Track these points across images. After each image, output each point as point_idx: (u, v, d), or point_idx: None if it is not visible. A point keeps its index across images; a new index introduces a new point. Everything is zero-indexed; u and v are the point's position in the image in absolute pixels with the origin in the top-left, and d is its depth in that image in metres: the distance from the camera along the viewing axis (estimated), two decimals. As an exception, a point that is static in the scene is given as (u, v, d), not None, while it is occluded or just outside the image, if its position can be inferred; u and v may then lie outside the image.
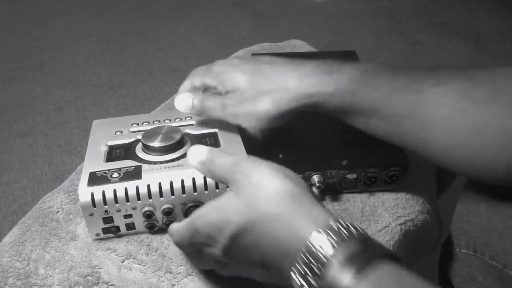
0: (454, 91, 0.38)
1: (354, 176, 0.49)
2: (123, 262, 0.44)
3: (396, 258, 0.31)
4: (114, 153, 0.47)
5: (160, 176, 0.42)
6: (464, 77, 0.38)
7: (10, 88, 1.64)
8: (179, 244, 0.39)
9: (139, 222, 0.44)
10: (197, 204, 0.43)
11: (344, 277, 0.28)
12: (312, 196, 0.34)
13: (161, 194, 0.42)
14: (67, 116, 1.49)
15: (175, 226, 0.38)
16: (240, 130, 0.49)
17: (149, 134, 0.47)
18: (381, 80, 0.40)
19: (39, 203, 0.51)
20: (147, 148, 0.46)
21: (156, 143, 0.45)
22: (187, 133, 0.49)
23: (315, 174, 0.48)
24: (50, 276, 0.44)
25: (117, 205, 0.42)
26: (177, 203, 0.43)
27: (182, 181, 0.42)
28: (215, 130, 0.49)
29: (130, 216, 0.43)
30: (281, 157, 0.49)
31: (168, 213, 0.43)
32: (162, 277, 0.43)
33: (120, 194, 0.42)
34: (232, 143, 0.47)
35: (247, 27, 2.00)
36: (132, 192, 0.42)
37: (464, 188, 0.48)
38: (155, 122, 0.51)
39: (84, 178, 0.43)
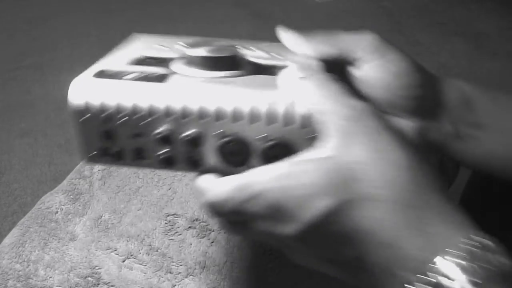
0: None
1: None
2: (123, 261, 0.44)
3: None
4: (144, 61, 0.33)
5: (189, 87, 0.29)
6: None
7: (10, 88, 1.64)
8: (217, 208, 0.27)
9: (151, 148, 0.30)
10: (238, 140, 0.28)
11: None
12: (442, 183, 0.25)
13: (185, 114, 0.28)
14: (67, 116, 1.49)
15: (216, 181, 0.27)
16: None
17: (195, 43, 0.33)
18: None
19: (38, 203, 0.51)
20: (185, 60, 0.32)
21: (197, 51, 0.31)
22: (249, 61, 0.33)
23: None
24: (50, 277, 0.44)
25: (121, 113, 0.28)
26: (209, 132, 0.28)
27: (220, 102, 0.28)
28: (288, 63, 0.32)
29: (139, 136, 0.29)
30: None
31: (193, 142, 0.29)
32: (162, 277, 0.43)
33: (129, 96, 0.28)
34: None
35: (247, 27, 2.00)
36: (146, 97, 0.28)
37: (464, 189, 0.48)
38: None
39: (89, 70, 0.31)
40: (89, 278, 0.44)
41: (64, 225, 0.48)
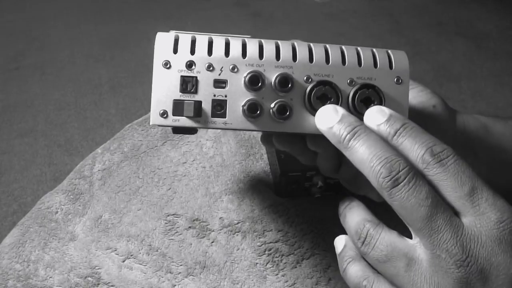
0: None
1: None
2: (123, 261, 0.44)
3: None
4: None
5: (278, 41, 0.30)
6: None
7: (10, 88, 1.64)
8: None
9: (237, 101, 0.28)
10: (329, 83, 0.28)
11: None
12: None
13: (278, 55, 0.29)
14: (67, 116, 1.49)
15: (356, 267, 0.27)
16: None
17: None
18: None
19: (38, 203, 0.51)
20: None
21: None
22: None
23: (316, 176, 0.47)
24: (50, 277, 0.44)
25: (210, 56, 0.27)
26: (300, 74, 0.28)
27: (309, 44, 0.29)
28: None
29: (223, 84, 0.28)
30: (282, 157, 0.49)
31: (283, 83, 0.28)
32: (162, 277, 0.43)
33: (218, 43, 0.28)
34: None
35: (247, 27, 2.00)
36: (236, 43, 0.28)
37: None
38: None
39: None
40: (89, 278, 0.44)
41: (64, 225, 0.48)
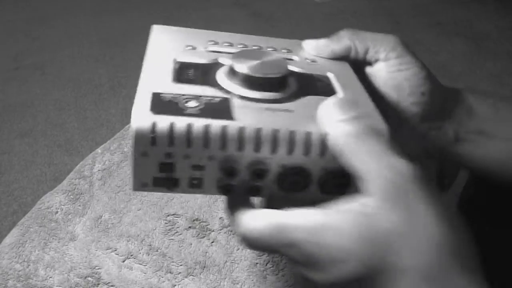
0: None
1: None
2: (123, 261, 0.44)
3: None
4: (185, 74, 0.33)
5: (261, 120, 0.29)
6: None
7: (10, 88, 1.64)
8: (250, 242, 0.27)
9: (211, 179, 0.30)
10: (302, 171, 0.30)
11: None
12: (476, 264, 0.25)
13: (257, 147, 0.28)
14: (67, 116, 1.49)
15: (254, 224, 0.27)
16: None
17: (243, 58, 0.32)
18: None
19: (38, 203, 0.51)
20: (238, 77, 0.32)
21: (255, 71, 0.31)
22: (290, 70, 0.34)
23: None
24: (50, 277, 0.44)
25: (189, 149, 0.28)
26: (275, 164, 0.29)
27: (292, 134, 0.28)
28: (328, 74, 0.35)
29: (200, 168, 0.29)
30: None
31: (259, 175, 0.29)
32: (162, 277, 0.43)
33: (198, 133, 0.28)
34: (354, 92, 0.33)
35: (247, 27, 2.00)
36: (216, 134, 0.28)
37: (463, 189, 0.48)
38: (239, 46, 0.38)
39: (144, 99, 0.29)
40: (89, 278, 0.44)
41: (64, 225, 0.48)
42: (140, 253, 0.45)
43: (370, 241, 0.24)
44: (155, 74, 0.33)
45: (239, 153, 0.29)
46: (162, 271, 0.44)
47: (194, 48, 0.36)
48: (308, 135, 0.29)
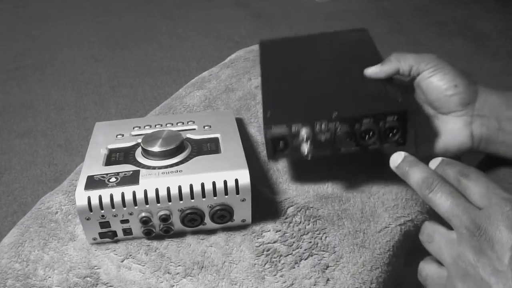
0: None
1: (347, 129, 0.44)
2: (122, 261, 0.44)
3: None
4: (113, 157, 0.47)
5: (158, 182, 0.42)
6: None
7: (10, 88, 1.64)
8: None
9: (136, 227, 0.44)
10: (195, 211, 0.43)
11: None
12: None
13: (158, 200, 0.42)
14: (67, 116, 1.49)
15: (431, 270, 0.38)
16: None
17: (149, 138, 0.46)
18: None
19: (38, 203, 0.51)
20: (146, 153, 0.46)
21: (155, 148, 0.45)
22: (188, 137, 0.49)
23: (304, 128, 0.44)
24: (49, 277, 0.44)
25: (113, 210, 0.42)
26: (174, 210, 0.43)
27: (180, 188, 0.42)
28: (217, 135, 0.49)
29: (127, 221, 0.43)
30: (268, 115, 0.46)
31: (165, 219, 0.43)
32: (161, 277, 0.43)
33: (117, 199, 0.41)
34: (232, 149, 0.47)
35: (247, 27, 2.00)
36: (129, 197, 0.41)
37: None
38: (156, 126, 0.51)
39: (82, 181, 0.43)
40: (88, 278, 0.44)
41: (64, 225, 0.48)
42: (139, 253, 0.45)
43: None
44: (92, 161, 0.46)
45: (147, 207, 0.42)
46: (160, 271, 0.44)
47: (122, 135, 0.50)
48: (191, 186, 0.42)
